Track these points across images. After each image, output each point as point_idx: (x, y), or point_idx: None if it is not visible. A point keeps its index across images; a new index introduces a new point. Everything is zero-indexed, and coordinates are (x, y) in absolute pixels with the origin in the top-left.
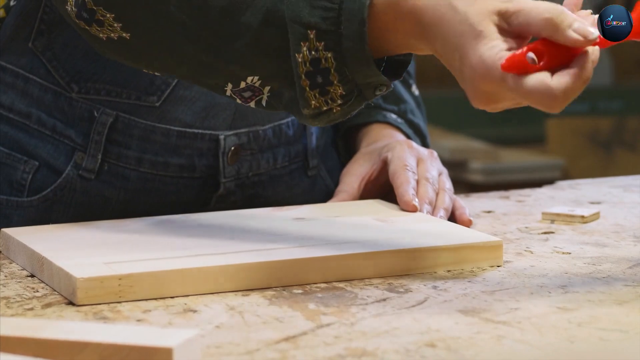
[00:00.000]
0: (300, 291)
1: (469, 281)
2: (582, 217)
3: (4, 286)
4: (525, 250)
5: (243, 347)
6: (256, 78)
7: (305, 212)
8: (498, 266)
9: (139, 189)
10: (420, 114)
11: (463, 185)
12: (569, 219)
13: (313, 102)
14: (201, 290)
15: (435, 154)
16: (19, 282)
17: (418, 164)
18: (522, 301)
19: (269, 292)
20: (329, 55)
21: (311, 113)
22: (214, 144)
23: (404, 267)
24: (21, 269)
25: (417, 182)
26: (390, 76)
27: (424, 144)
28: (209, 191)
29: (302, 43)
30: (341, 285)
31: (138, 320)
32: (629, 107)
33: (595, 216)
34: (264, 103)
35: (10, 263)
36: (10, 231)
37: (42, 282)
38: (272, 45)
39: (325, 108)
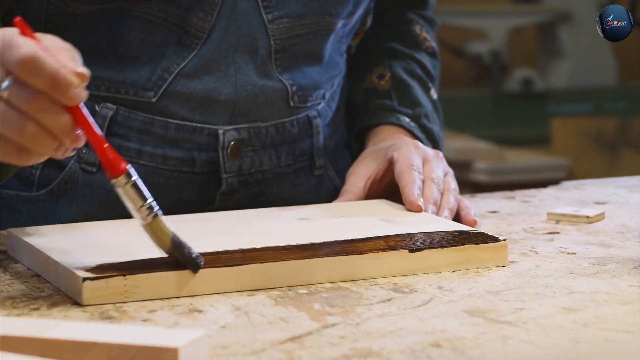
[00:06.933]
0: (305, 291)
1: (474, 281)
2: (587, 217)
3: (10, 286)
4: (530, 251)
5: (249, 347)
6: None
7: (310, 212)
8: (503, 266)
9: None
10: (437, 117)
11: (468, 185)
12: (574, 219)
13: None
14: (206, 290)
15: (441, 154)
16: (25, 282)
17: (424, 164)
18: (527, 301)
19: (275, 292)
20: None
21: None
22: (213, 138)
23: (409, 267)
24: (27, 269)
25: (423, 182)
26: None
27: (437, 149)
28: (212, 188)
29: None
30: (346, 285)
31: (144, 321)
32: (634, 107)
33: (601, 216)
34: None
35: (16, 263)
36: (16, 231)
37: (48, 282)
38: None
39: None
